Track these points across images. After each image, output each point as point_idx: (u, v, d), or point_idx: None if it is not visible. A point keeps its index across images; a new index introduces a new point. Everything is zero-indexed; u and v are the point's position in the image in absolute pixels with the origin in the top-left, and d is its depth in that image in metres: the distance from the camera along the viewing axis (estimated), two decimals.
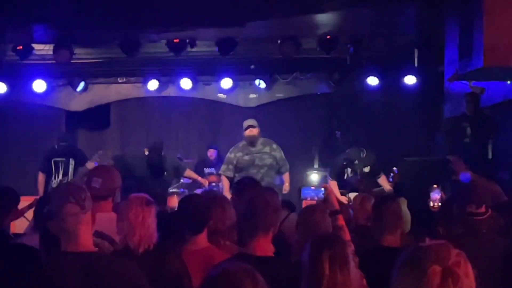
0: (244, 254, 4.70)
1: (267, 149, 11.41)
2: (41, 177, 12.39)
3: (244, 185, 7.35)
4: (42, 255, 4.61)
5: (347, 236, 5.30)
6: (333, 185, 11.69)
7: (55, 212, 3.91)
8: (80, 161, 12.40)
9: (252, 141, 11.29)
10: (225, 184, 11.39)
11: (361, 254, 4.72)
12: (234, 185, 8.41)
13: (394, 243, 5.54)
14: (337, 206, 5.68)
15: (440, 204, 8.64)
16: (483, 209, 6.63)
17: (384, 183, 11.46)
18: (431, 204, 8.84)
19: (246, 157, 11.36)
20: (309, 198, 6.11)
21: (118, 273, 3.91)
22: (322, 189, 5.95)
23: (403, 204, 6.60)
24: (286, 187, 11.39)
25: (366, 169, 11.71)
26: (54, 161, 12.43)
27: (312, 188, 6.61)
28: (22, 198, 7.12)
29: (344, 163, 11.79)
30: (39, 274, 3.84)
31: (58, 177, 12.45)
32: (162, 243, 4.92)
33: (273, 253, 4.73)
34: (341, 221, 5.59)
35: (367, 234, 6.16)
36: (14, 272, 4.11)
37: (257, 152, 11.39)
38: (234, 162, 11.39)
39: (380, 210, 5.74)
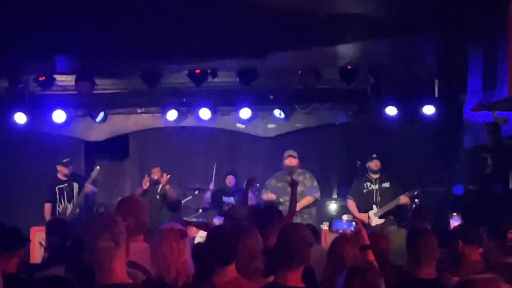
0: (276, 284, 4.69)
1: (301, 178, 11.58)
2: (47, 207, 12.57)
3: (269, 214, 7.32)
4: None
5: None
6: (351, 204, 12.00)
7: (89, 245, 3.90)
8: (83, 184, 12.57)
9: (291, 171, 11.50)
10: None
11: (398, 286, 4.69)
12: (258, 213, 8.37)
13: (431, 275, 5.47)
14: (367, 241, 5.68)
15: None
16: None
17: (405, 201, 11.49)
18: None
19: (279, 184, 11.61)
20: (340, 231, 6.09)
21: None
22: (353, 223, 5.95)
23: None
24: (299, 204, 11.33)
25: (386, 184, 11.78)
26: (58, 189, 12.55)
27: (344, 221, 6.62)
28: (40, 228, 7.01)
29: (364, 178, 11.88)
30: None
31: (64, 203, 12.54)
32: (198, 274, 4.86)
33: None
34: (371, 256, 5.58)
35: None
36: None
37: None
38: (269, 189, 11.87)
39: (415, 243, 5.62)
